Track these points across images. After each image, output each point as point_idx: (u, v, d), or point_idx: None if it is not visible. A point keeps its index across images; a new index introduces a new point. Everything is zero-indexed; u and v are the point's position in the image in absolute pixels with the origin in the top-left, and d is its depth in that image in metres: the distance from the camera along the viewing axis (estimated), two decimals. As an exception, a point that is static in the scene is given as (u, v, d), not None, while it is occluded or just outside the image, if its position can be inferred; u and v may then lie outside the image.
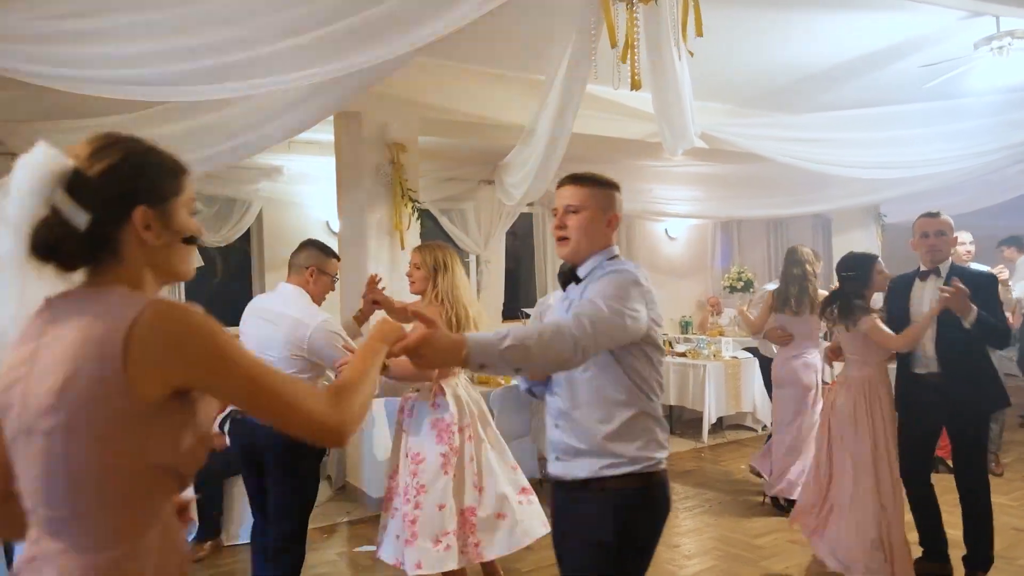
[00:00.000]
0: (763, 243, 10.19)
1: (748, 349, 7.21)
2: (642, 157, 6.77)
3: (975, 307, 3.09)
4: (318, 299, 3.23)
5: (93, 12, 3.13)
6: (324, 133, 5.10)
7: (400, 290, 4.91)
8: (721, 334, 7.83)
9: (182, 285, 6.61)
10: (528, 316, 8.38)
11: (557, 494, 2.03)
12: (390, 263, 4.85)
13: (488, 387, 5.33)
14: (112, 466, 1.03)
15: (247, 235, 6.92)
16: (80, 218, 1.03)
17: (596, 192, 2.01)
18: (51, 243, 1.03)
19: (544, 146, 4.62)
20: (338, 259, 3.40)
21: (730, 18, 4.23)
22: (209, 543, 4.25)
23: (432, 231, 7.01)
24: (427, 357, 1.51)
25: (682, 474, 5.62)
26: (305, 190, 6.85)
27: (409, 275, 3.31)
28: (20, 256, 1.01)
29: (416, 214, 4.86)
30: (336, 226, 7.05)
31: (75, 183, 1.04)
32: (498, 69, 5.20)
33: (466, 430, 3.10)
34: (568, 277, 2.05)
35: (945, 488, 3.63)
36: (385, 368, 1.44)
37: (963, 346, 3.27)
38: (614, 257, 2.02)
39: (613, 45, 2.66)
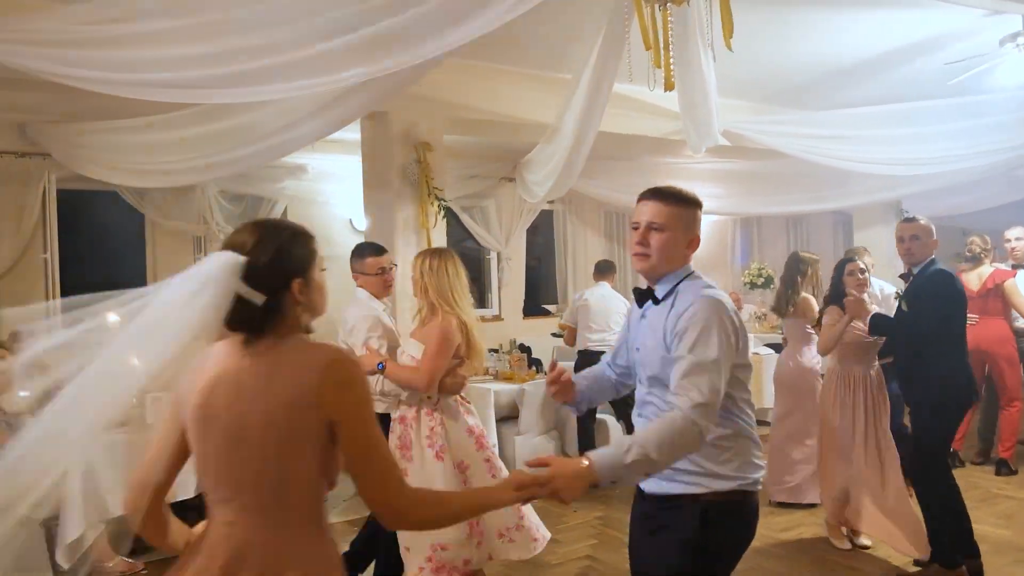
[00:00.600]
0: (783, 240, 10.17)
1: (769, 345, 7.22)
2: (662, 154, 6.82)
3: (871, 311, 3.48)
4: (377, 295, 3.46)
5: (129, 18, 3.22)
6: (348, 132, 5.16)
7: (427, 287, 4.99)
8: (741, 330, 7.85)
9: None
10: (550, 313, 8.44)
11: (644, 505, 2.02)
12: (417, 260, 4.93)
13: (514, 382, 5.40)
14: (304, 469, 1.39)
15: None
16: (258, 298, 1.38)
17: (681, 212, 1.94)
18: (241, 318, 1.39)
19: (569, 144, 4.68)
20: (377, 254, 3.47)
21: (752, 15, 4.24)
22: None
23: (454, 229, 7.10)
24: (564, 491, 1.57)
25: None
26: (329, 188, 6.95)
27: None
28: (197, 327, 1.33)
29: (442, 212, 4.93)
30: (359, 223, 7.16)
31: (249, 273, 1.37)
32: (522, 68, 5.26)
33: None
34: (644, 294, 2.02)
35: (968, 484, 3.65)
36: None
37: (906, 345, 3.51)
38: (690, 275, 1.98)
39: (648, 48, 2.71)
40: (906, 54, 5.13)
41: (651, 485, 1.94)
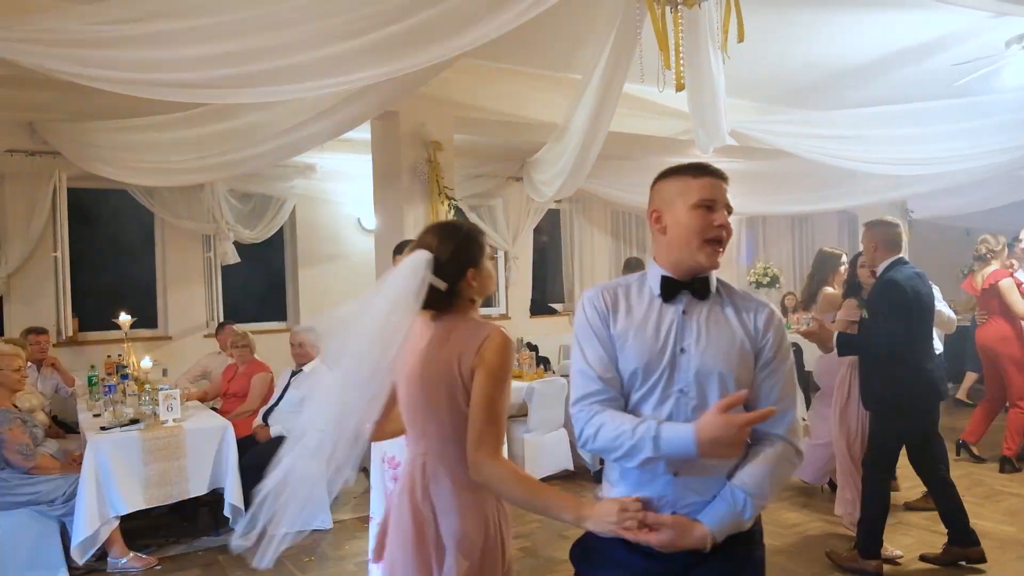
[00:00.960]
0: (788, 239, 10.20)
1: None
2: (669, 154, 6.83)
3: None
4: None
5: (145, 18, 3.25)
6: (357, 131, 5.18)
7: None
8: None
9: (220, 282, 6.78)
10: (557, 312, 8.46)
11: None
12: (427, 259, 4.97)
13: (522, 381, 5.43)
14: (465, 413, 1.76)
15: (280, 232, 7.08)
16: (442, 285, 1.79)
17: None
18: (431, 300, 1.80)
19: (578, 144, 4.71)
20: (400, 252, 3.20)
21: (759, 16, 4.26)
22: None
23: (462, 228, 7.13)
24: (666, 545, 1.50)
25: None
26: (338, 187, 6.99)
27: None
28: (405, 309, 1.76)
29: (452, 211, 4.97)
30: (367, 223, 7.20)
31: (435, 266, 1.79)
32: (531, 68, 5.29)
33: None
34: (681, 286, 1.65)
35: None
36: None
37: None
38: None
39: (662, 49, 2.74)
40: (911, 55, 5.15)
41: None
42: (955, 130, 5.26)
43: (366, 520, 4.69)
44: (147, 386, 4.55)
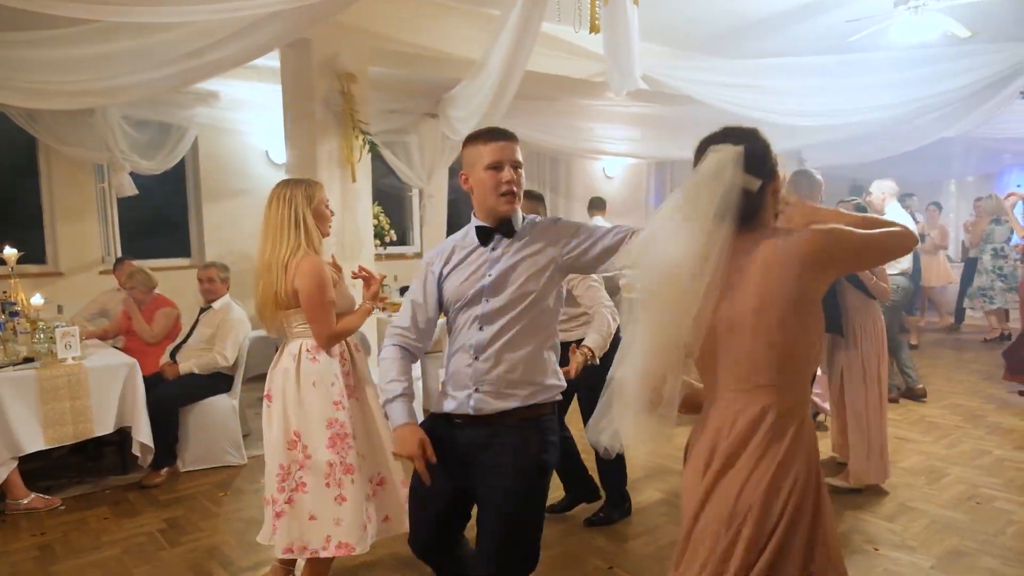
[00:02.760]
0: (692, 184, 10.60)
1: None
2: (583, 96, 6.92)
3: None
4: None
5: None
6: (266, 58, 4.96)
7: (350, 222, 4.99)
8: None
9: (117, 216, 6.43)
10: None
11: None
12: (341, 195, 4.90)
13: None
14: (793, 343, 1.55)
15: (182, 164, 6.73)
16: (755, 184, 1.55)
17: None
18: (732, 207, 1.53)
19: (495, 82, 4.70)
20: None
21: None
22: (166, 469, 4.34)
23: (375, 164, 7.00)
24: None
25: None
26: (244, 117, 6.68)
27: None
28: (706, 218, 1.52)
29: (367, 146, 4.89)
30: (276, 156, 6.97)
31: (747, 161, 1.55)
32: (450, 1, 5.19)
33: None
34: (501, 229, 2.10)
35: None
36: None
37: None
38: None
39: (580, -9, 2.79)
40: (812, 10, 5.40)
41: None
42: (847, 85, 5.60)
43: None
44: (41, 324, 4.33)
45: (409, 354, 2.15)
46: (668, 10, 5.37)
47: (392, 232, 7.35)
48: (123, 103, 5.70)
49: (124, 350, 4.72)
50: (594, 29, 3.12)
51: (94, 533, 3.60)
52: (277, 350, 2.86)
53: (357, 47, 4.88)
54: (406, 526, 2.57)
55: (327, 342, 2.73)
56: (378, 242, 6.92)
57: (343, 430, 2.70)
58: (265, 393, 2.80)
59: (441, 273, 2.13)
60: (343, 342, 2.84)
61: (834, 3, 5.19)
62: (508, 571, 2.04)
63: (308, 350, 2.73)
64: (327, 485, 2.67)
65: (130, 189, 6.11)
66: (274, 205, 2.73)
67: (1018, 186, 9.47)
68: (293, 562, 2.92)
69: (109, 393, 4.08)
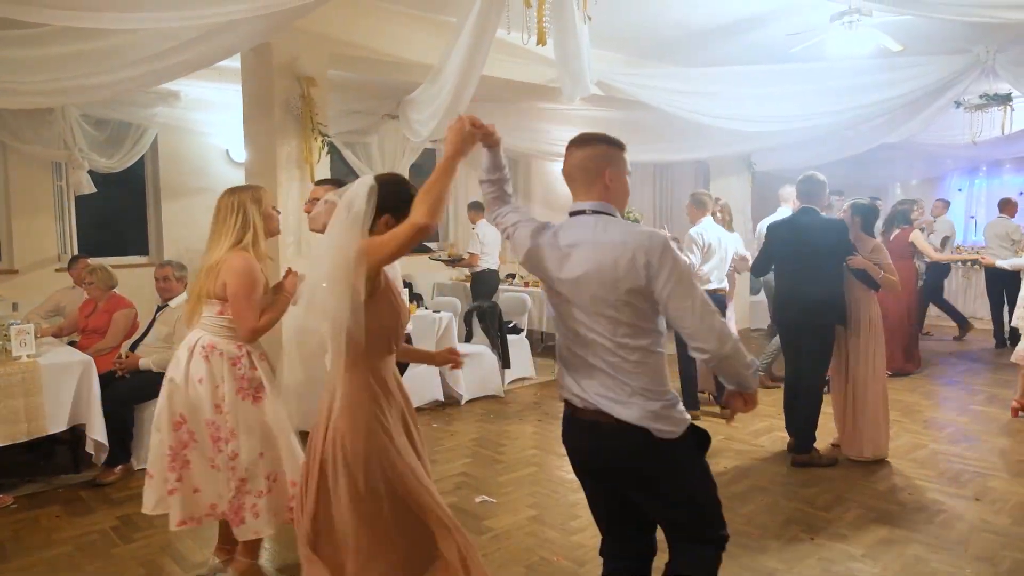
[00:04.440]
0: (650, 186, 10.85)
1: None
2: (540, 100, 7.08)
3: None
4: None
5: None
6: (227, 59, 5.03)
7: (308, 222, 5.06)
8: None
9: (74, 214, 6.39)
10: (430, 250, 8.64)
11: None
12: (300, 196, 4.97)
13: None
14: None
15: (141, 162, 6.72)
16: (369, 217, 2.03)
17: None
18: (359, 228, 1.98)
19: (453, 86, 4.83)
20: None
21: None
22: (120, 467, 4.34)
23: (337, 164, 7.07)
24: None
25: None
26: (204, 117, 6.70)
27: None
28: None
29: (326, 148, 4.97)
30: (236, 155, 6.99)
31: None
32: (407, 8, 5.30)
33: None
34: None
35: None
36: None
37: None
38: None
39: (527, 6, 2.93)
40: (757, 21, 5.63)
41: None
42: (792, 92, 5.86)
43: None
44: (-5, 321, 4.32)
45: None
46: (621, 19, 5.54)
47: (353, 232, 7.41)
48: (86, 102, 5.68)
49: (79, 348, 4.72)
50: (541, 40, 3.26)
51: (46, 531, 3.60)
52: None
53: (316, 51, 4.96)
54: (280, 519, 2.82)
55: (250, 336, 2.79)
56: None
57: (218, 433, 2.78)
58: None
59: None
60: (245, 348, 2.83)
61: (775, 17, 5.42)
62: None
63: (203, 347, 2.78)
64: (212, 467, 2.81)
65: (88, 187, 6.09)
66: (222, 214, 2.80)
67: (960, 190, 9.93)
68: (234, 546, 3.01)
69: (63, 391, 4.09)
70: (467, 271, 7.75)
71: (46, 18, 3.22)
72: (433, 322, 5.64)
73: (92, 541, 3.49)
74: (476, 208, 7.57)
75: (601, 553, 2.20)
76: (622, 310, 1.86)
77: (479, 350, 6.05)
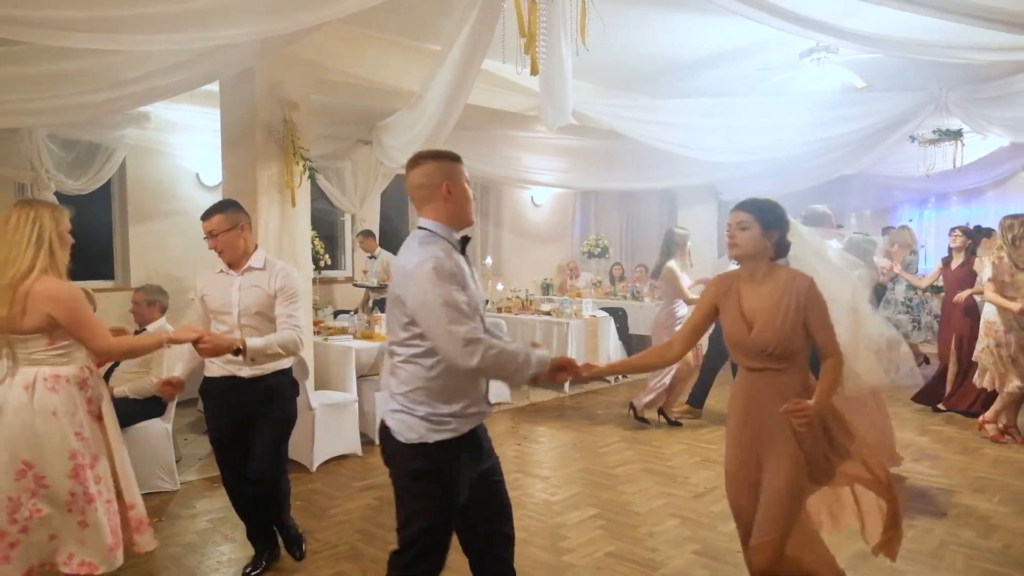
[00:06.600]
0: (617, 214, 11.07)
1: (605, 309, 7.97)
2: (516, 128, 7.21)
3: None
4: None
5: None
6: (203, 83, 5.00)
7: (288, 246, 5.03)
8: (578, 295, 8.54)
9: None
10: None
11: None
12: (280, 220, 4.94)
13: (374, 341, 5.59)
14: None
15: (108, 185, 6.59)
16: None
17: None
18: None
19: (434, 113, 4.89)
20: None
21: (604, 9, 4.67)
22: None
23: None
24: None
25: (549, 418, 6.25)
26: (174, 139, 6.63)
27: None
28: None
29: (307, 172, 4.96)
30: (207, 178, 6.91)
31: None
32: (388, 35, 5.35)
33: None
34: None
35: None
36: None
37: None
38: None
39: (523, 36, 3.02)
40: (729, 56, 5.85)
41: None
42: (758, 124, 6.10)
43: (214, 480, 4.68)
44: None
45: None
46: (597, 51, 5.67)
47: (327, 256, 7.39)
48: (59, 124, 5.56)
49: None
50: (534, 72, 3.36)
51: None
52: None
53: (300, 76, 4.97)
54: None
55: (106, 355, 2.75)
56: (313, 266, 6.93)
57: (83, 460, 2.62)
58: None
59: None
60: (87, 366, 2.73)
61: (746, 53, 5.65)
62: None
63: (46, 379, 2.59)
64: (69, 511, 2.60)
65: (53, 210, 5.92)
66: (13, 222, 2.57)
67: (911, 220, 10.39)
68: None
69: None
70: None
71: (23, 36, 3.14)
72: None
73: (69, 575, 3.37)
74: (368, 235, 7.69)
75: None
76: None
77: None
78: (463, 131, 6.95)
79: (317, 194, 7.60)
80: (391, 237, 8.87)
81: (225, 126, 5.08)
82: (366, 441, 5.34)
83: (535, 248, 9.98)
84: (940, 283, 6.63)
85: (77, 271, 6.57)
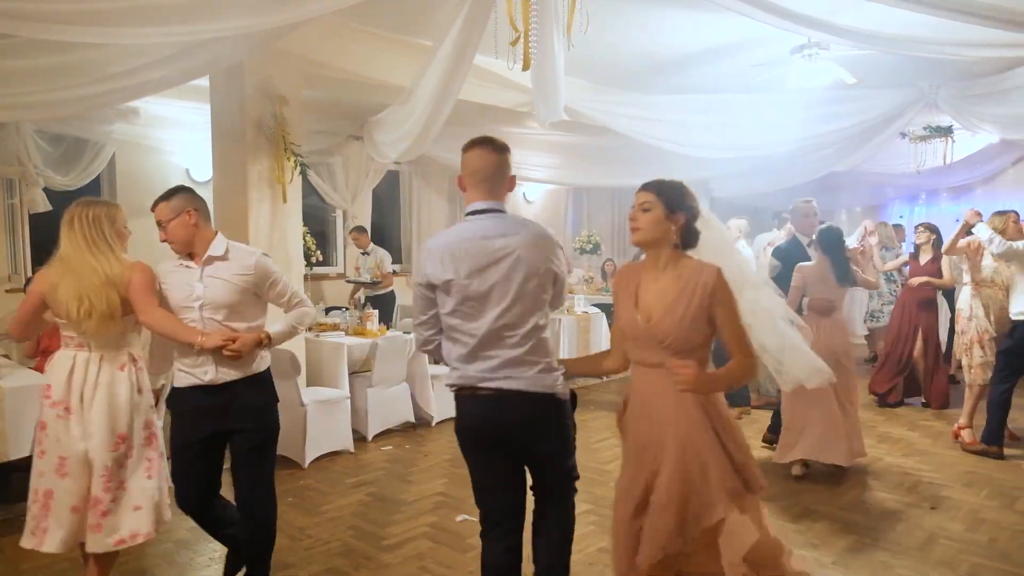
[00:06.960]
0: (608, 210, 11.07)
1: (597, 305, 7.98)
2: (508, 124, 7.18)
3: None
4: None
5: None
6: (193, 78, 4.96)
7: (280, 242, 5.01)
8: (571, 291, 8.54)
9: (28, 232, 6.17)
10: (395, 272, 8.61)
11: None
12: (272, 215, 4.92)
13: (366, 337, 5.58)
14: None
15: (97, 180, 6.54)
16: None
17: None
18: None
19: (425, 109, 4.87)
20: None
21: (597, 6, 4.67)
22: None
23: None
24: None
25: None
26: (164, 135, 6.57)
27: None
28: None
29: (298, 167, 4.94)
30: (198, 174, 6.87)
31: None
32: (379, 30, 5.33)
33: None
34: None
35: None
36: None
37: None
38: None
39: (516, 32, 3.01)
40: (718, 54, 5.85)
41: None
42: (750, 121, 6.10)
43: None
44: (-53, 344, 4.13)
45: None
46: (589, 47, 5.67)
47: (319, 253, 7.36)
48: (47, 119, 5.51)
49: (38, 370, 4.54)
50: (526, 67, 3.35)
51: (12, 561, 3.46)
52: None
53: (290, 71, 4.94)
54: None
55: (149, 326, 2.85)
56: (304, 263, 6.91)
57: (155, 429, 2.94)
58: (59, 403, 2.76)
59: None
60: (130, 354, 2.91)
61: (739, 49, 5.65)
62: None
63: (136, 359, 2.91)
64: (148, 477, 2.85)
65: (43, 205, 5.88)
66: (76, 225, 2.83)
67: (901, 216, 10.45)
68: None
69: (25, 415, 3.93)
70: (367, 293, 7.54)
71: (9, 29, 3.10)
72: (404, 344, 5.61)
73: (63, 570, 3.38)
74: (361, 231, 7.63)
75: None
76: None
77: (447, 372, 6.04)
78: (454, 127, 6.91)
79: (308, 190, 7.58)
80: (383, 233, 8.85)
81: (215, 121, 5.05)
82: (358, 437, 5.33)
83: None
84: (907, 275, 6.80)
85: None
